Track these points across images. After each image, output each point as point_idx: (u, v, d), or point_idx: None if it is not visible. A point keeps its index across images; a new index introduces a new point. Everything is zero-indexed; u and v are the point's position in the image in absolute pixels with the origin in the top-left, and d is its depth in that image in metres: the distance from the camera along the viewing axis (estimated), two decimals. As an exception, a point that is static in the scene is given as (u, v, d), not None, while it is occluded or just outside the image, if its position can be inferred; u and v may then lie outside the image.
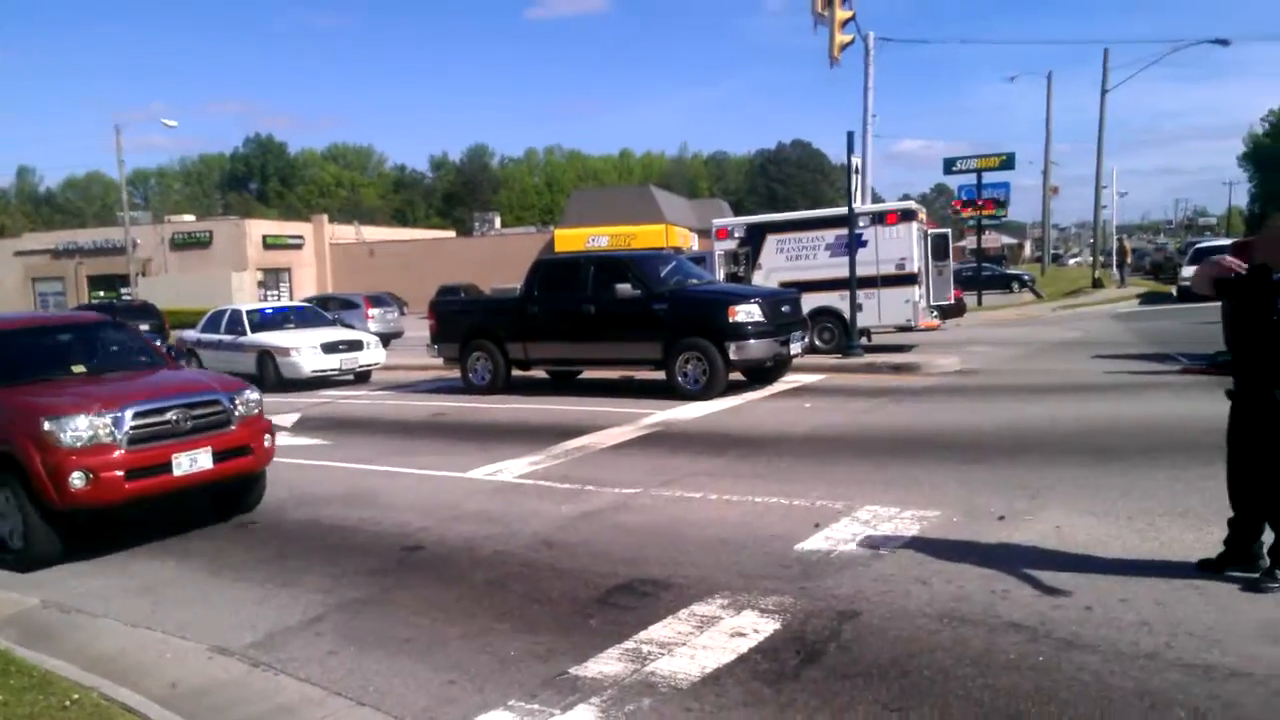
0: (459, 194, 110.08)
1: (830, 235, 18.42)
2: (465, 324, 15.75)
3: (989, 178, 37.36)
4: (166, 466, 7.03)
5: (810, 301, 17.20)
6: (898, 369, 15.72)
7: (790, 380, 14.74)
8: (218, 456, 7.32)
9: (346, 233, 63.68)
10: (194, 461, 7.18)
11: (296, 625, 5.32)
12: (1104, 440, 9.08)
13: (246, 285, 51.20)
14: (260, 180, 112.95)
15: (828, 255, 18.45)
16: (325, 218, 63.35)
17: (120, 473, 6.79)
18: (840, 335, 18.06)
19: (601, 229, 50.02)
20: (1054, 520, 6.43)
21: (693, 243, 50.42)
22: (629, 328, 13.75)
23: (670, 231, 50.70)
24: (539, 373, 15.99)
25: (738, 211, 65.55)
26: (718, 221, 21.17)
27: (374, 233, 66.82)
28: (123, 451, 6.84)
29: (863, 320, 17.93)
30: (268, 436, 7.89)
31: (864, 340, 18.35)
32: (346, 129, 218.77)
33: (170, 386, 7.62)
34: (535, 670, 4.53)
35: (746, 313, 13.13)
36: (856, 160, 18.31)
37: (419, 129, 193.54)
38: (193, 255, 54.29)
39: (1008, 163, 37.61)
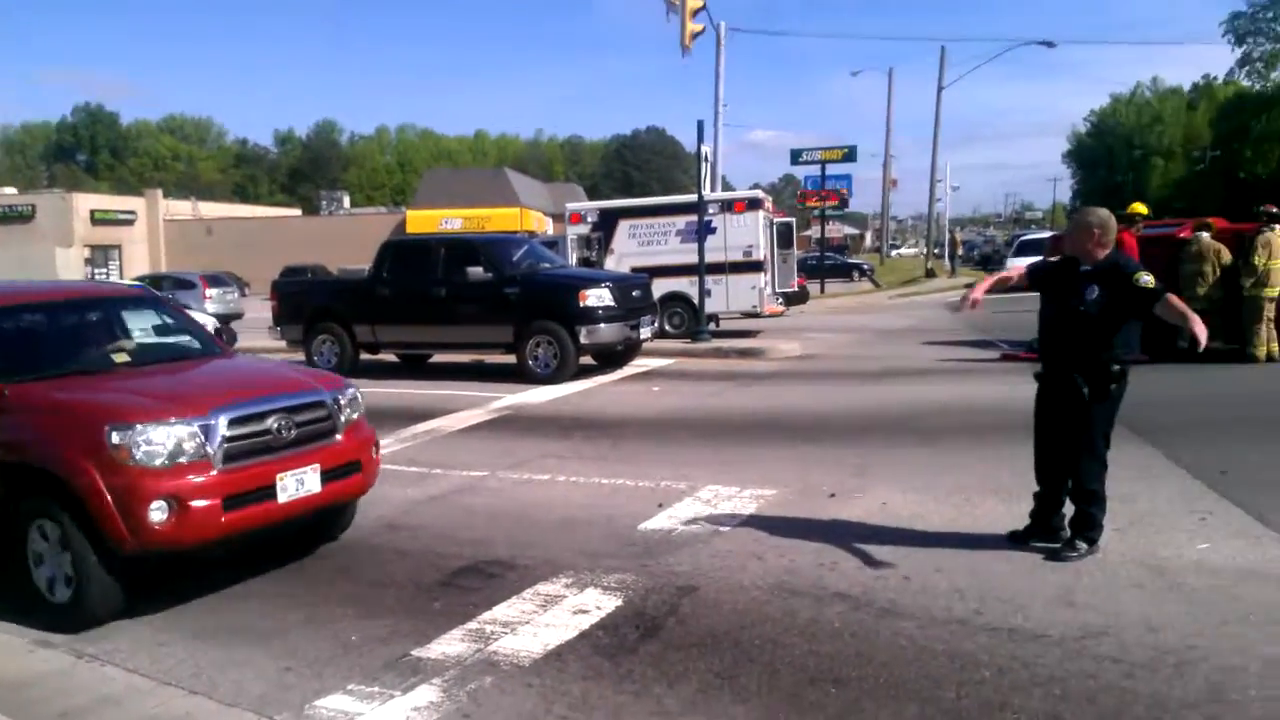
0: (305, 171, 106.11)
1: (681, 222, 18.78)
2: (310, 305, 15.30)
3: (833, 169, 38.76)
4: (270, 491, 5.21)
5: (661, 287, 17.51)
6: (743, 354, 16.20)
7: (640, 364, 14.99)
8: (326, 476, 5.53)
9: (183, 208, 60.53)
10: (300, 484, 5.37)
11: (127, 617, 5.13)
12: (929, 421, 9.66)
13: (72, 263, 48.11)
14: (89, 152, 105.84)
15: (678, 241, 18.81)
16: (160, 192, 59.90)
17: (216, 500, 4.99)
18: (689, 320, 18.45)
19: (455, 211, 49.24)
20: (880, 497, 6.83)
21: (548, 226, 50.27)
22: (480, 311, 13.68)
23: (525, 215, 50.38)
24: (388, 356, 15.72)
25: (593, 196, 65.72)
26: (571, 206, 21.27)
27: (212, 209, 63.77)
28: (217, 471, 5.02)
29: (711, 306, 18.38)
30: (375, 447, 6.13)
31: (712, 325, 18.82)
32: (183, 99, 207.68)
33: (261, 383, 5.87)
34: (377, 654, 4.53)
35: (597, 297, 13.27)
36: (707, 149, 18.69)
37: (262, 102, 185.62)
38: (14, 230, 50.51)
39: (850, 155, 39.09)
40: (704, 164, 18.23)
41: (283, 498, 5.27)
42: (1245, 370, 11.99)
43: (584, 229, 19.71)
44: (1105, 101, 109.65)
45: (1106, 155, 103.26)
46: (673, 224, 19.02)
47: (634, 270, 17.25)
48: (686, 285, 18.26)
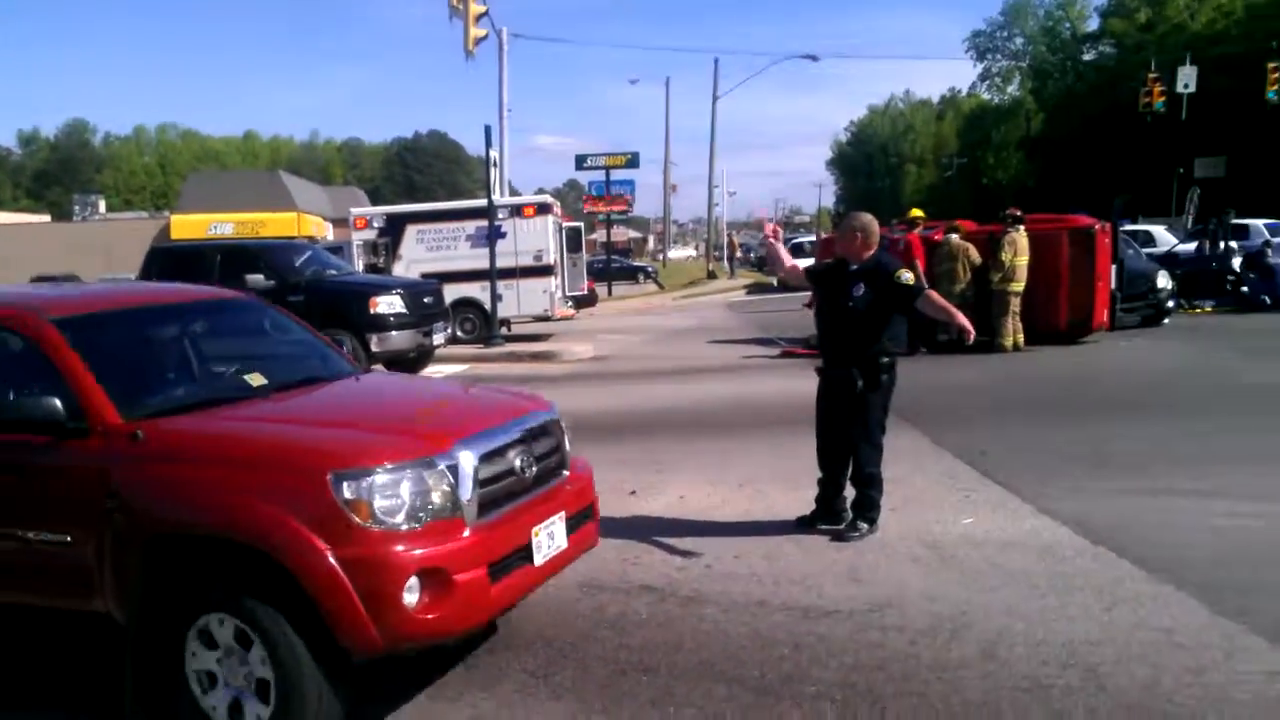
0: (54, 173, 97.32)
1: (470, 226, 18.65)
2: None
3: (616, 175, 39.48)
4: (527, 552, 3.91)
5: (452, 292, 17.32)
6: (537, 357, 16.28)
7: (433, 371, 14.75)
8: (570, 524, 4.25)
9: (-95, 215, 54.14)
10: (551, 539, 4.08)
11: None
12: (719, 417, 10.10)
13: None
14: None
15: (468, 246, 18.67)
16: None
17: (481, 570, 3.60)
18: (482, 325, 18.36)
19: (225, 215, 46.43)
20: (678, 491, 7.09)
21: (328, 232, 48.40)
22: (262, 321, 13.03)
23: (303, 220, 48.22)
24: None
25: (375, 201, 63.79)
26: (355, 211, 20.69)
27: (-58, 215, 57.36)
28: (473, 528, 3.65)
29: (503, 311, 18.35)
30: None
31: (504, 330, 18.79)
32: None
33: (480, 406, 4.61)
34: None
35: (388, 304, 12.99)
36: (494, 153, 18.66)
37: (3, 99, 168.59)
38: None
39: (632, 162, 39.97)
40: (492, 169, 18.19)
41: (538, 559, 3.95)
42: (995, 360, 13.19)
43: (370, 234, 19.21)
44: (863, 113, 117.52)
45: (866, 162, 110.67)
46: (462, 229, 18.86)
47: (424, 276, 16.97)
48: (478, 290, 18.15)
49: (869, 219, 5.87)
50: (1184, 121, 43.90)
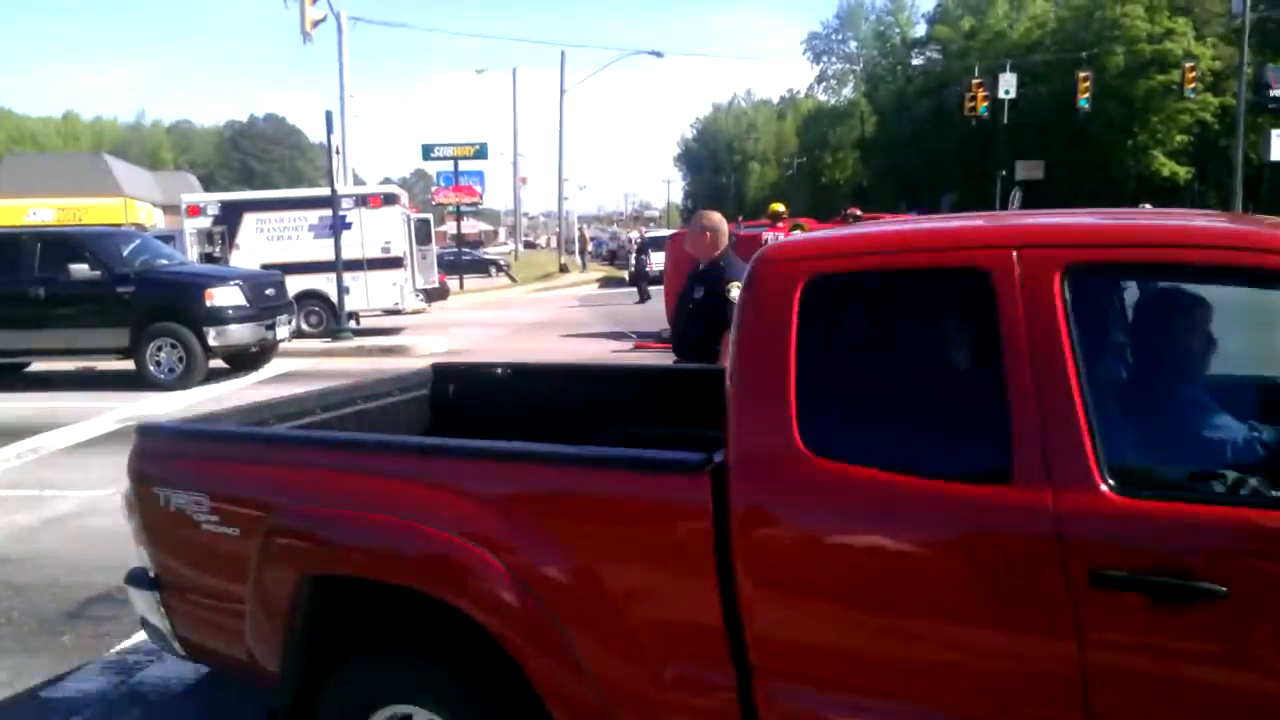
0: None
1: (314, 216, 18.06)
2: None
3: (465, 165, 38.93)
4: None
5: (296, 284, 16.70)
6: (388, 351, 15.94)
7: (278, 366, 14.25)
8: None
9: None
10: None
11: None
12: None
13: None
14: None
15: (311, 237, 18.07)
16: None
17: None
18: (329, 318, 17.81)
19: (44, 201, 43.40)
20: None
21: (157, 219, 45.90)
22: (88, 313, 12.30)
23: (131, 206, 45.56)
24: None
25: (210, 187, 60.90)
26: (188, 198, 19.69)
27: None
28: None
29: (351, 303, 17.85)
30: None
31: (353, 323, 18.30)
32: None
33: None
34: (-2, 699, 4.04)
35: (225, 295, 12.44)
36: (336, 140, 18.09)
37: None
38: None
39: (481, 152, 39.51)
40: (335, 156, 17.65)
41: None
42: None
43: (205, 222, 18.32)
44: (708, 111, 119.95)
45: (711, 159, 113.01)
46: (304, 218, 18.22)
47: (264, 267, 16.33)
48: (324, 282, 17.57)
49: (717, 218, 5.69)
50: (1005, 126, 46.71)
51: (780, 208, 15.64)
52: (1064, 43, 55.25)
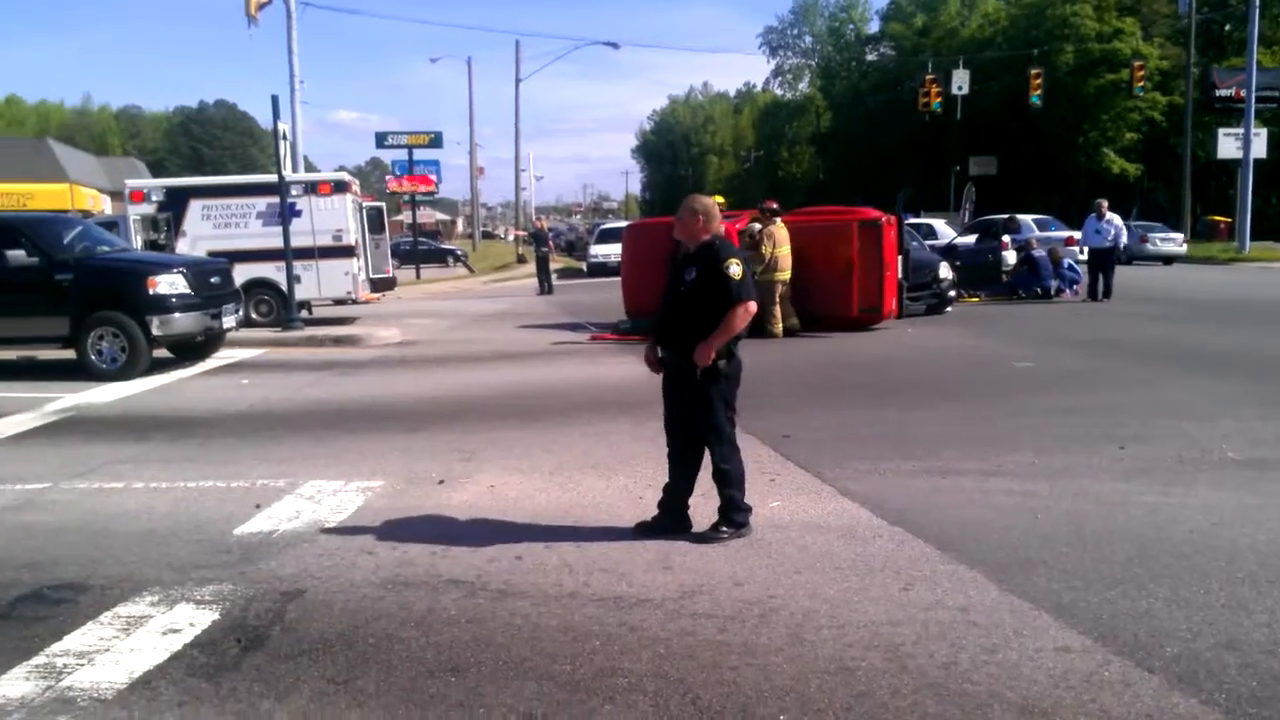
0: None
1: (262, 203, 17.68)
2: None
3: (420, 154, 38.54)
4: None
5: (244, 272, 16.38)
6: (339, 341, 15.65)
7: (225, 356, 13.89)
8: None
9: None
10: None
11: None
12: (529, 403, 9.95)
13: None
14: None
15: (260, 224, 17.70)
16: None
17: None
18: (279, 307, 17.44)
19: (-14, 185, 42.18)
20: (488, 480, 6.91)
21: (104, 205, 44.77)
22: (25, 301, 11.89)
23: (76, 192, 44.31)
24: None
25: (159, 173, 59.66)
26: (131, 183, 19.17)
27: None
28: None
29: (302, 292, 17.51)
30: None
31: (304, 313, 17.93)
32: None
33: None
34: (-90, 712, 3.79)
35: (169, 284, 12.08)
36: (285, 126, 17.67)
37: None
38: None
39: (436, 141, 39.14)
40: (282, 142, 17.25)
41: None
42: (771, 345, 13.55)
43: (149, 209, 17.84)
44: (665, 103, 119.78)
45: (669, 151, 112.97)
46: (252, 205, 17.84)
47: (211, 255, 15.91)
48: (273, 271, 17.21)
49: (710, 202, 5.51)
50: (959, 121, 47.12)
51: (719, 199, 15.60)
52: (1015, 40, 55.88)
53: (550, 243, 30.62)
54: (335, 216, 17.97)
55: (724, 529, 5.43)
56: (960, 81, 45.82)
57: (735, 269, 5.26)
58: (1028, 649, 3.98)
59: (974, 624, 4.24)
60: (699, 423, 5.43)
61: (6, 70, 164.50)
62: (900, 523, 5.63)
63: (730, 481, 5.43)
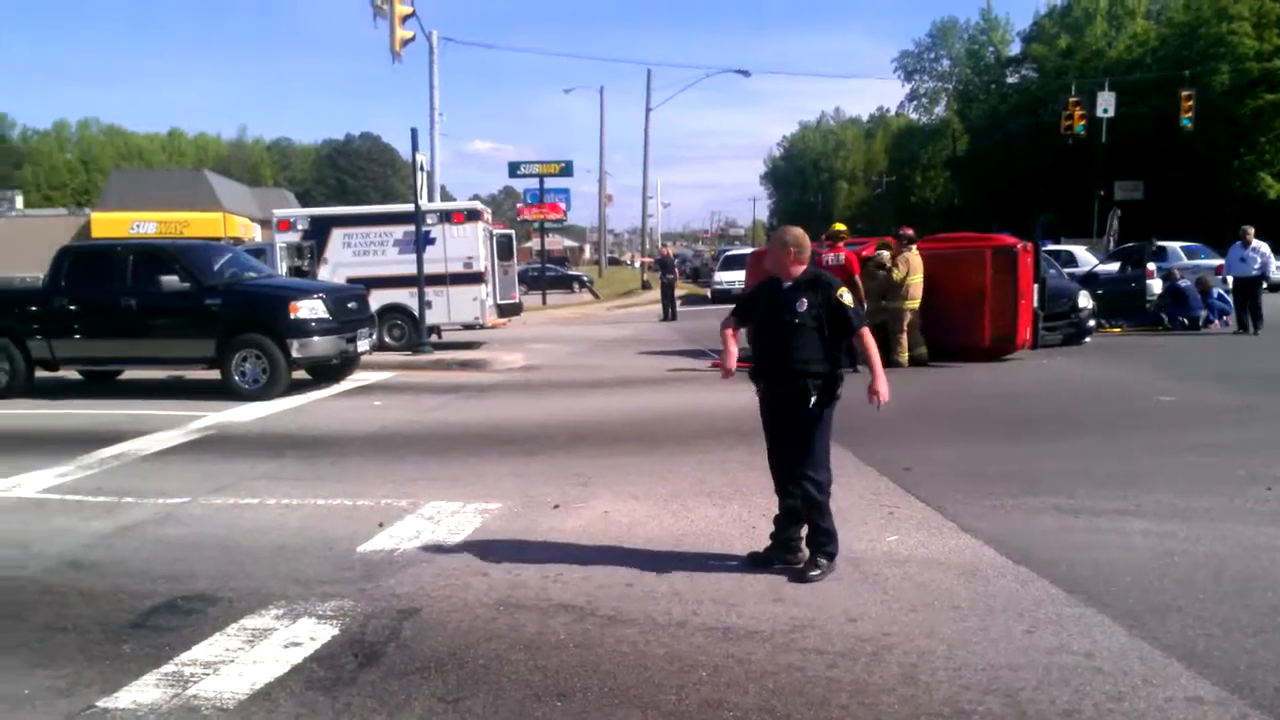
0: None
1: (399, 231, 18.34)
2: (-30, 319, 13.44)
3: (551, 183, 39.32)
4: None
5: (379, 298, 17.00)
6: (466, 365, 16.04)
7: (359, 378, 14.44)
8: None
9: None
10: None
11: None
12: (646, 429, 9.98)
13: None
14: None
15: (396, 252, 18.35)
16: None
17: None
18: (410, 332, 18.04)
19: (148, 214, 45.13)
20: (603, 506, 6.95)
21: (255, 233, 47.31)
22: (178, 324, 12.67)
23: (229, 220, 47.12)
24: (71, 373, 14.18)
25: (306, 203, 62.77)
26: (279, 212, 20.21)
27: None
28: None
29: (432, 317, 18.07)
30: None
31: (434, 337, 18.50)
32: None
33: None
34: (55, 707, 4.03)
35: (309, 309, 12.65)
36: (423, 157, 18.36)
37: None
38: None
39: (567, 170, 39.89)
40: (420, 173, 17.91)
41: None
42: (895, 375, 13.15)
43: (294, 237, 18.76)
44: (795, 129, 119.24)
45: (799, 177, 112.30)
46: (390, 234, 18.53)
47: (350, 281, 16.61)
48: (406, 296, 17.83)
49: (800, 233, 5.55)
50: (1104, 145, 45.22)
51: (841, 228, 15.34)
52: (1165, 60, 53.40)
53: (675, 270, 30.84)
54: (467, 244, 18.51)
55: (820, 561, 5.33)
56: (1105, 104, 44.02)
57: (848, 297, 5.36)
58: (1156, 698, 3.75)
59: (1100, 670, 4.02)
60: (799, 454, 5.32)
61: (170, 105, 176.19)
62: (1025, 562, 5.39)
63: (824, 512, 5.34)
